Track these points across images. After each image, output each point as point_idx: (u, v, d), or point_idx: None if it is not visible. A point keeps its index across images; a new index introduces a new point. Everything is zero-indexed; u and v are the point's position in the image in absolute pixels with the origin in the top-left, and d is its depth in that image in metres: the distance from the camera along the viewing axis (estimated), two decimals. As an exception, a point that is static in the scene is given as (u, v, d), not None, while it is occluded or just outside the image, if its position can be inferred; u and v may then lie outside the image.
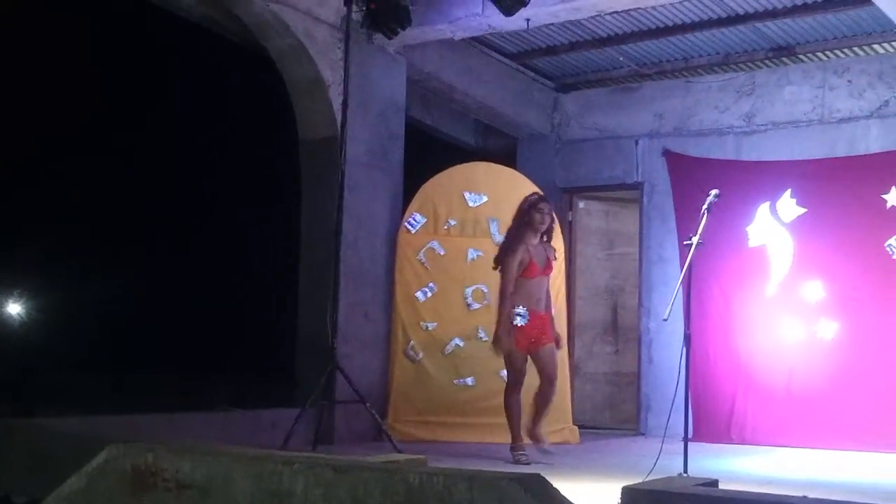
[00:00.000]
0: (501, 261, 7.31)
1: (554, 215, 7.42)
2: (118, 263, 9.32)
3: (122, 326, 9.62)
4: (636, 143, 10.39)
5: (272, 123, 8.85)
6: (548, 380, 7.23)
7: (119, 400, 7.62)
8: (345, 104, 7.72)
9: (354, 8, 7.94)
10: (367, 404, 7.39)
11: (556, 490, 2.66)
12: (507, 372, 7.34)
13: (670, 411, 6.73)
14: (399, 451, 6.78)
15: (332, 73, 8.32)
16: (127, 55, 8.75)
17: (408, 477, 2.72)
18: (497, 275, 8.49)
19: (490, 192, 9.23)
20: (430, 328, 8.94)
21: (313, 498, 2.75)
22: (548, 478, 2.75)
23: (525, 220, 7.27)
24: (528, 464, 7.02)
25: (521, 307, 7.15)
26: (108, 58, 8.48)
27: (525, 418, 7.27)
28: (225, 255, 8.61)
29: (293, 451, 5.29)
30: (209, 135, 8.62)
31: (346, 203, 7.80)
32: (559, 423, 8.93)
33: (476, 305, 9.02)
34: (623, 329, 11.01)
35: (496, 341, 7.20)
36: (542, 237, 7.38)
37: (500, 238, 9.14)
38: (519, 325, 7.13)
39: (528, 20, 8.16)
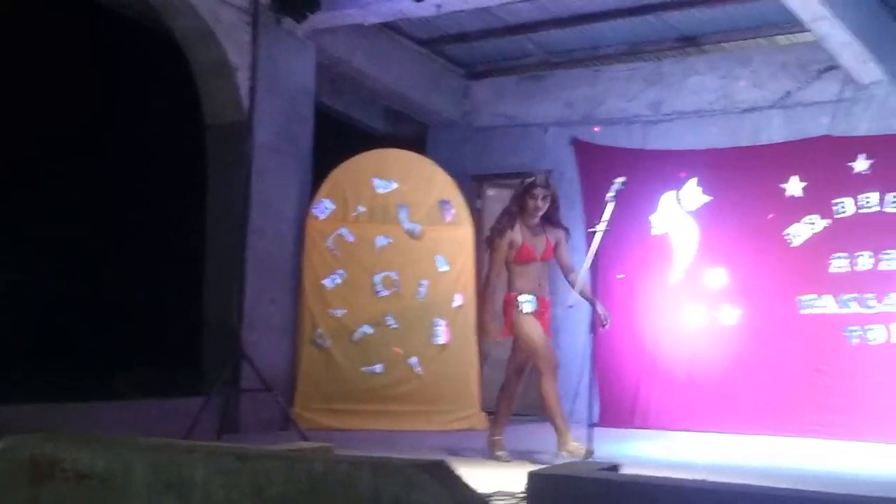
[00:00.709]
0: (489, 244, 6.84)
1: (554, 197, 6.84)
2: (17, 251, 9.06)
3: (22, 315, 9.37)
4: (545, 130, 10.47)
5: (179, 107, 8.68)
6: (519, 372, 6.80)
7: (21, 390, 7.42)
8: (252, 89, 7.60)
9: (263, -9, 7.89)
10: (274, 392, 7.32)
11: (459, 477, 2.67)
12: (536, 361, 6.64)
13: (575, 397, 6.84)
14: (306, 439, 6.74)
15: (240, 57, 8.19)
16: (27, 37, 8.49)
17: (311, 465, 2.70)
18: (415, 262, 8.52)
19: (400, 179, 9.22)
20: (338, 315, 8.89)
21: (213, 487, 2.72)
22: (454, 464, 2.76)
23: (519, 204, 6.74)
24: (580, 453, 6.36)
25: (525, 294, 6.64)
26: (4, 39, 8.21)
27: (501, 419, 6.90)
28: (130, 241, 8.43)
29: (197, 440, 5.23)
30: (113, 118, 8.44)
31: (253, 189, 7.68)
32: (467, 409, 8.99)
33: (385, 292, 9.01)
34: (531, 316, 11.08)
35: (481, 329, 6.80)
36: (544, 221, 6.81)
37: (409, 225, 9.19)
38: (528, 311, 6.61)
39: (438, 6, 8.15)
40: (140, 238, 8.60)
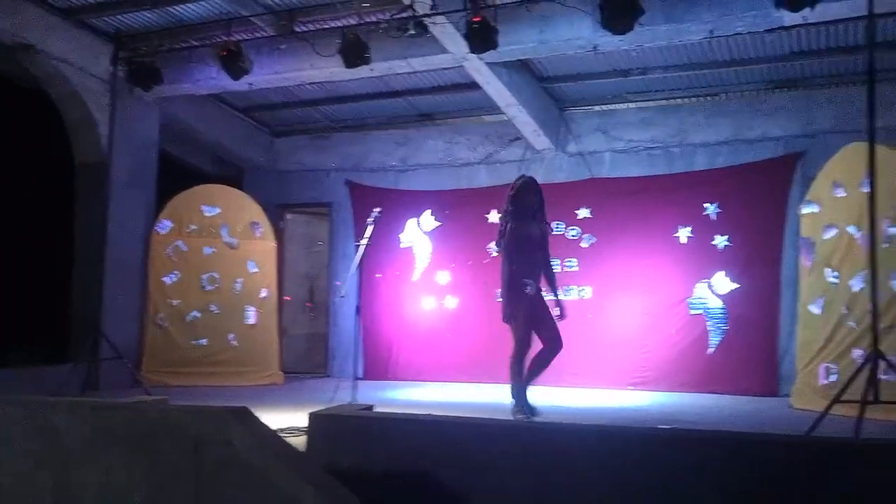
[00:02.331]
0: (499, 244, 5.75)
1: (542, 194, 5.79)
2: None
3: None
4: (328, 174, 10.45)
5: (55, 150, 8.15)
6: (553, 343, 5.61)
7: None
8: (110, 139, 7.40)
9: (119, 67, 7.65)
10: (125, 360, 7.06)
11: (258, 419, 2.66)
12: (515, 340, 5.58)
13: (346, 357, 6.88)
14: (148, 394, 6.49)
15: (101, 115, 7.82)
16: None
17: (148, 412, 2.64)
18: (233, 266, 8.23)
19: (222, 206, 9.02)
20: (174, 304, 8.60)
21: (74, 431, 2.61)
22: (254, 409, 2.75)
23: (516, 201, 5.72)
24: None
25: (527, 278, 5.58)
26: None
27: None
28: (16, 250, 7.79)
29: (64, 397, 4.92)
30: (3, 158, 7.79)
31: (111, 212, 7.44)
32: (269, 370, 8.86)
33: (209, 287, 8.78)
34: (317, 303, 11.04)
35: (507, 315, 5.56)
36: (535, 214, 5.79)
37: (228, 239, 8.96)
38: (530, 293, 5.56)
39: (250, 84, 8.02)
40: (23, 248, 7.95)
